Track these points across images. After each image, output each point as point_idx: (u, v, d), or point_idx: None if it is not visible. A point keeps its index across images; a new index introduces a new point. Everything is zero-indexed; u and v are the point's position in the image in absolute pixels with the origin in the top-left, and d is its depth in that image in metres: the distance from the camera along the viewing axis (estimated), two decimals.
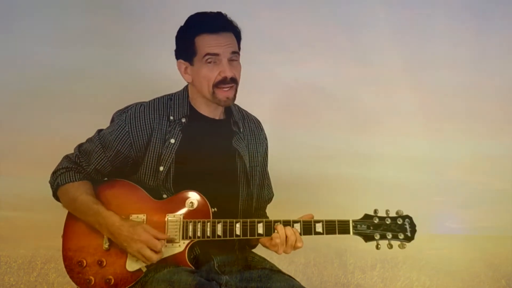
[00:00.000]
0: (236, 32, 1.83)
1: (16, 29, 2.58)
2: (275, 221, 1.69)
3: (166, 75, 1.98)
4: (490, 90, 2.89)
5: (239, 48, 1.84)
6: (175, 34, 1.86)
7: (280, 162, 2.24)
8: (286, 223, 1.68)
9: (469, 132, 2.88)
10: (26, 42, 2.59)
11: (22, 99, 2.59)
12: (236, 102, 1.94)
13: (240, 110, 1.99)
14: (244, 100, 1.97)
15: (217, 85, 1.78)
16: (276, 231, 1.67)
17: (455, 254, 2.82)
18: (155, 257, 1.66)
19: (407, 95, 2.85)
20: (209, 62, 1.77)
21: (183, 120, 1.83)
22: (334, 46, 2.80)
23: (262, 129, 2.03)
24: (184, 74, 1.84)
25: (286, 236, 1.66)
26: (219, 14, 1.81)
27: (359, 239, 1.71)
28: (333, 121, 2.81)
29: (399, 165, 2.80)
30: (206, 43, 1.76)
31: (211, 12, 1.82)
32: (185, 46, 1.80)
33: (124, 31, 2.68)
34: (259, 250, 1.91)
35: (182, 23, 1.86)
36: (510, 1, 2.90)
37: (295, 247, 1.68)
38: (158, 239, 1.67)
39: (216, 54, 1.76)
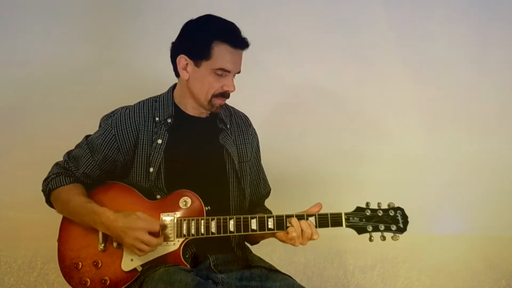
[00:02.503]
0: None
1: (14, 29, 2.58)
2: (278, 216, 1.70)
3: (165, 76, 1.98)
4: (490, 90, 2.88)
5: None
6: (171, 34, 1.85)
7: (277, 160, 2.25)
8: (300, 218, 1.70)
9: (469, 132, 2.87)
10: (24, 42, 2.59)
11: (20, 99, 2.59)
12: (235, 101, 1.95)
13: (227, 107, 1.99)
14: (243, 99, 1.98)
15: (216, 96, 1.81)
16: (290, 224, 1.68)
17: (455, 254, 2.81)
18: (154, 241, 1.66)
19: (407, 94, 2.85)
20: (218, 74, 1.77)
21: (169, 120, 1.85)
22: (334, 45, 2.80)
23: (250, 124, 2.03)
24: (182, 70, 1.82)
25: (302, 230, 1.67)
26: (238, 28, 1.79)
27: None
28: (333, 120, 2.81)
29: (398, 165, 2.80)
30: (225, 56, 1.76)
31: (230, 22, 1.80)
32: (198, 46, 1.77)
33: (124, 31, 2.68)
34: (257, 251, 1.91)
35: (179, 24, 1.84)
36: (510, 1, 2.90)
37: (311, 239, 1.70)
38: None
39: (228, 71, 1.77)
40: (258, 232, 1.70)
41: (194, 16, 1.84)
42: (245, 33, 1.80)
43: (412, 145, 2.83)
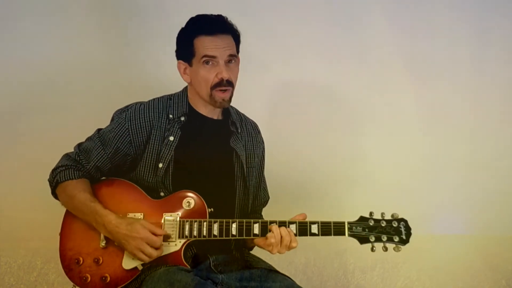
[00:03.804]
0: (235, 35, 1.87)
1: (16, 28, 2.58)
2: (271, 222, 1.71)
3: (170, 76, 2.00)
4: (489, 90, 2.88)
5: (238, 52, 1.88)
6: (176, 34, 1.89)
7: (274, 161, 2.25)
8: (282, 224, 1.70)
9: (469, 132, 2.87)
10: (25, 41, 2.58)
11: (22, 98, 2.59)
12: (234, 100, 1.96)
13: (238, 112, 2.03)
14: (241, 98, 1.99)
15: (214, 87, 1.82)
16: (270, 231, 1.69)
17: (455, 254, 2.81)
18: (155, 253, 1.68)
19: (406, 94, 2.84)
20: (207, 63, 1.81)
21: (182, 118, 1.87)
22: (333, 44, 2.79)
23: (259, 132, 2.07)
24: (183, 74, 1.89)
25: (281, 237, 1.68)
26: (219, 16, 1.86)
27: None
28: (332, 120, 2.81)
29: (398, 165, 2.80)
30: (204, 45, 1.81)
31: (211, 15, 1.86)
32: (184, 47, 1.85)
33: (128, 30, 2.67)
34: (256, 251, 1.91)
35: (184, 23, 1.88)
36: (510, 1, 2.90)
37: (289, 247, 1.70)
38: (156, 235, 1.68)
39: (214, 57, 1.80)
40: (243, 237, 1.71)
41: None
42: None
43: (411, 146, 2.83)
